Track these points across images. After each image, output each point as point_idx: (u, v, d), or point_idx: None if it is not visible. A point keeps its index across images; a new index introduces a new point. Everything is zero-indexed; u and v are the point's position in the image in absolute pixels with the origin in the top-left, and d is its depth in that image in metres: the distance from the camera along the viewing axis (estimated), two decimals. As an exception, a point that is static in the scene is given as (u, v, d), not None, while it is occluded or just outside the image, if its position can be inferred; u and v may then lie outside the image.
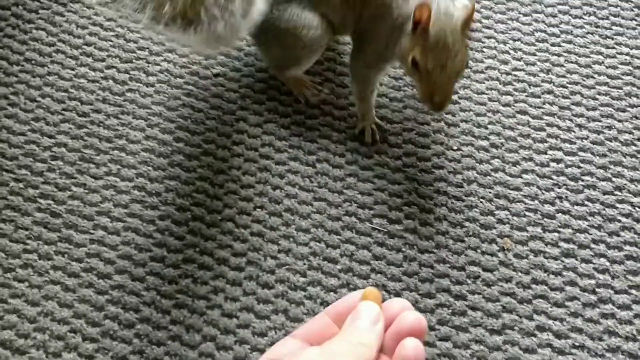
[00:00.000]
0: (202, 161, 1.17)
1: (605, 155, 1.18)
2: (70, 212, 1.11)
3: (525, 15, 1.33)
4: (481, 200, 1.14)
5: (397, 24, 1.07)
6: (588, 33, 1.31)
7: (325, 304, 1.04)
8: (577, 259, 1.08)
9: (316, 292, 1.05)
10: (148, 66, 1.27)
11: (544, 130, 1.21)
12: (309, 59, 1.17)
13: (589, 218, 1.12)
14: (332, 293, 1.05)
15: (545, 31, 1.31)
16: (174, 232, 1.10)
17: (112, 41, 1.29)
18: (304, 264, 1.07)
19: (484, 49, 1.29)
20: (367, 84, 1.16)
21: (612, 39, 1.31)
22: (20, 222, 1.10)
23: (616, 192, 1.14)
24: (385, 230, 1.11)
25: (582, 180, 1.15)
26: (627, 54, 1.29)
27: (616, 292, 1.05)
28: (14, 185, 1.13)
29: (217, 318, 1.03)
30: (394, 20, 1.07)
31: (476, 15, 1.33)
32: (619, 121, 1.21)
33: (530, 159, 1.18)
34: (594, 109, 1.23)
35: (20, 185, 1.14)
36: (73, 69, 1.26)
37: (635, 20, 1.33)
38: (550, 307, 1.04)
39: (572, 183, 1.15)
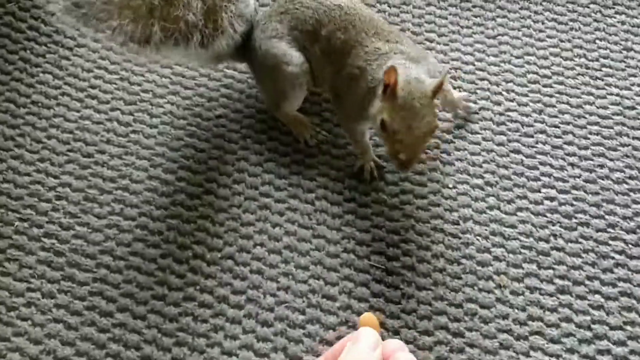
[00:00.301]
0: (204, 200, 1.20)
1: (597, 194, 1.20)
2: (73, 251, 1.13)
3: (517, 57, 1.37)
4: (477, 237, 1.16)
5: (370, 87, 1.11)
6: (579, 74, 1.35)
7: (324, 342, 1.05)
8: (572, 296, 1.10)
9: (315, 329, 1.06)
10: (151, 108, 1.30)
11: (538, 169, 1.23)
12: (295, 94, 1.21)
13: (583, 255, 1.14)
14: (331, 331, 1.06)
15: (537, 73, 1.35)
16: (175, 270, 1.12)
17: (116, 84, 1.33)
18: (303, 301, 1.09)
19: (477, 90, 1.33)
20: (355, 130, 1.20)
21: (602, 80, 1.34)
22: (25, 261, 1.12)
23: (609, 230, 1.16)
24: (383, 267, 1.12)
25: (576, 218, 1.18)
26: (617, 95, 1.32)
27: (611, 329, 1.06)
28: (19, 225, 1.16)
29: (217, 356, 1.04)
30: (367, 83, 1.12)
31: (469, 58, 1.37)
32: (611, 160, 1.24)
33: (525, 197, 1.20)
34: (585, 148, 1.26)
35: (25, 224, 1.16)
36: (78, 111, 1.30)
37: (625, 62, 1.37)
38: (547, 344, 1.05)
39: (566, 221, 1.17)
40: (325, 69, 1.19)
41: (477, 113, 1.30)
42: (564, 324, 1.07)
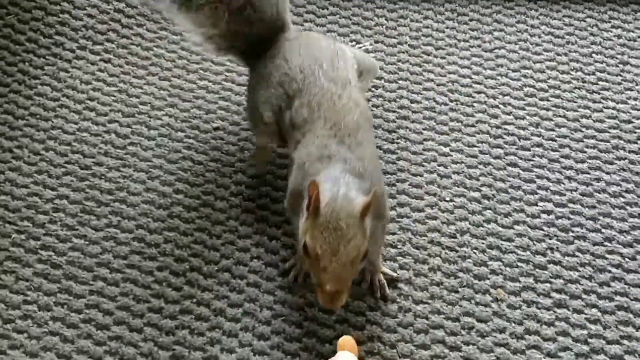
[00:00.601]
0: (201, 212, 1.20)
1: (594, 207, 1.21)
2: (70, 264, 1.13)
3: (514, 70, 1.38)
4: (474, 251, 1.16)
5: (301, 190, 0.98)
6: (575, 88, 1.36)
7: (320, 355, 1.05)
8: (569, 310, 1.10)
9: (312, 343, 1.06)
10: (150, 120, 1.31)
11: (534, 182, 1.24)
12: (261, 141, 1.18)
13: (580, 269, 1.14)
14: (327, 344, 1.06)
15: (533, 86, 1.36)
16: (172, 283, 1.12)
17: (114, 96, 1.34)
18: (300, 314, 1.09)
19: (474, 104, 1.33)
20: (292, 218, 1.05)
21: (599, 93, 1.35)
22: (21, 273, 1.12)
23: (606, 243, 1.16)
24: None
25: (573, 232, 1.18)
26: (614, 108, 1.33)
27: (608, 343, 1.06)
28: (16, 237, 1.16)
29: (213, 369, 1.04)
30: (303, 183, 0.98)
31: (466, 71, 1.37)
32: (607, 173, 1.25)
33: (522, 211, 1.20)
34: (582, 161, 1.26)
35: (22, 237, 1.16)
36: (76, 123, 1.30)
37: (621, 75, 1.38)
38: (544, 358, 1.05)
39: (563, 234, 1.17)
40: (291, 139, 1.08)
41: (474, 126, 1.30)
42: (560, 338, 1.07)
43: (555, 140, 1.29)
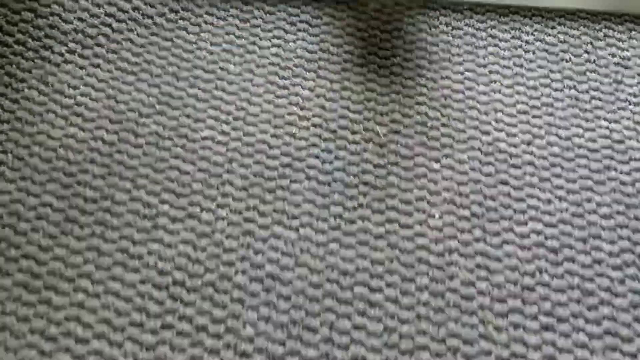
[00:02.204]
0: (186, 224, 1.18)
1: (584, 228, 1.19)
2: (51, 274, 1.11)
3: (507, 87, 1.37)
4: (462, 270, 1.15)
5: None
6: (568, 106, 1.35)
7: (302, 376, 1.03)
8: (556, 333, 1.08)
9: (294, 362, 1.04)
10: (137, 128, 1.29)
11: (525, 201, 1.22)
12: None
13: (568, 291, 1.13)
14: (310, 363, 1.04)
15: (526, 103, 1.35)
16: (154, 297, 1.10)
17: (103, 102, 1.32)
18: (283, 332, 1.07)
19: (466, 119, 1.32)
20: None
21: (592, 112, 1.34)
22: (0, 283, 1.10)
23: (595, 266, 1.15)
24: (366, 299, 1.11)
25: (562, 253, 1.17)
26: (607, 128, 1.32)
27: (595, 368, 1.05)
28: (-3, 245, 1.14)
29: (193, 387, 1.02)
30: None
31: (459, 86, 1.36)
32: (599, 194, 1.24)
33: (511, 230, 1.19)
34: (573, 181, 1.25)
35: (2, 245, 1.14)
36: (62, 129, 1.28)
37: (614, 94, 1.37)
38: (529, 382, 1.04)
39: (552, 255, 1.16)
40: None
41: (465, 142, 1.29)
42: (547, 362, 1.06)
43: (547, 159, 1.28)
